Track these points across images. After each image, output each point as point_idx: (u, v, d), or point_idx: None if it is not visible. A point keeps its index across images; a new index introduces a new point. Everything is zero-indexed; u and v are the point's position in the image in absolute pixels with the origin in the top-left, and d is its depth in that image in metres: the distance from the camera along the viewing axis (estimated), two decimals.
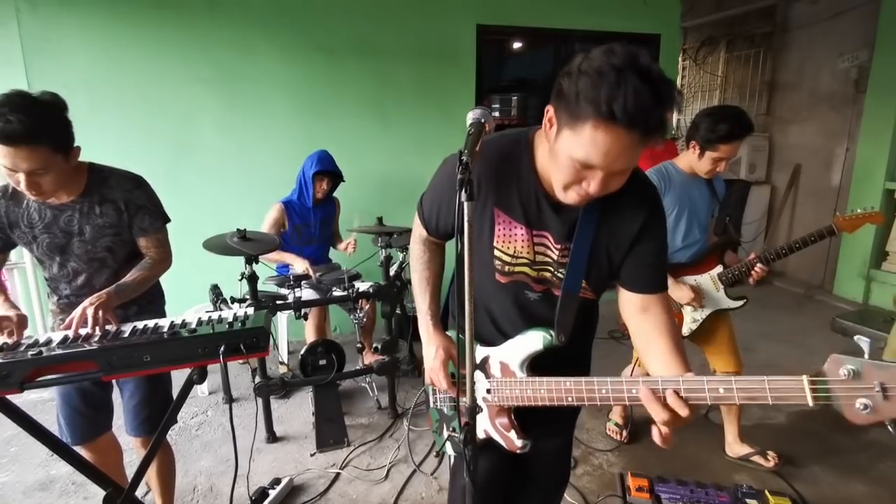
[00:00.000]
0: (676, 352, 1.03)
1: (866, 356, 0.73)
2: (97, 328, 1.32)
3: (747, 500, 1.86)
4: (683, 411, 0.88)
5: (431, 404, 1.35)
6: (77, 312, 1.35)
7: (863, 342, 0.78)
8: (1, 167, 1.32)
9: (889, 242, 4.29)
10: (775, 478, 2.22)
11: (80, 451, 1.69)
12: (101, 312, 1.35)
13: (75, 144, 1.43)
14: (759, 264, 2.11)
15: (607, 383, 0.99)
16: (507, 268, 1.11)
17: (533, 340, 1.10)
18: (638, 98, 0.79)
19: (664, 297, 1.11)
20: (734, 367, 2.21)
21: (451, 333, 1.25)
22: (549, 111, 0.93)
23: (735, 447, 2.34)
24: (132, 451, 1.90)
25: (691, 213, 2.16)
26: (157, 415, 1.60)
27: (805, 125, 5.08)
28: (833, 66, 4.71)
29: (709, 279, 2.18)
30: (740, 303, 2.18)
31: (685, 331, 2.22)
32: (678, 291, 2.13)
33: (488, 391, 1.15)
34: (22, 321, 1.36)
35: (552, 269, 1.10)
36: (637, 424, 2.55)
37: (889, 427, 0.73)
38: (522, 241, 1.08)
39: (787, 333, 3.87)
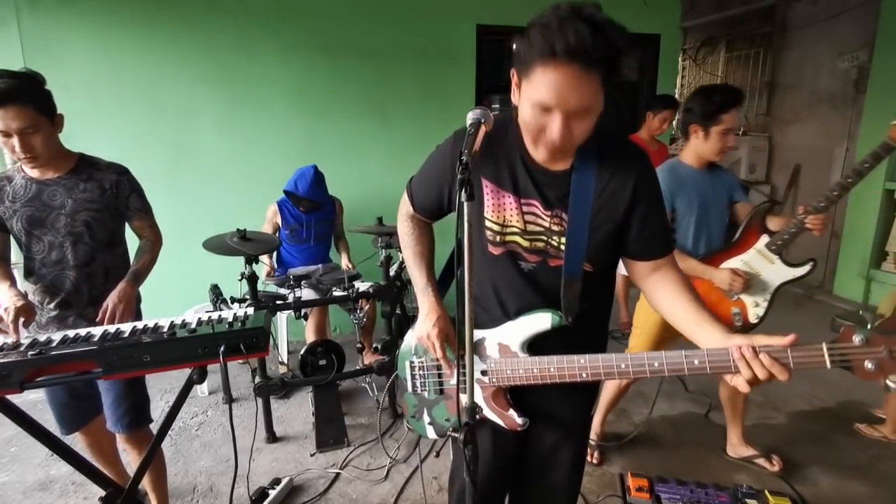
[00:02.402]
0: (701, 306, 1.06)
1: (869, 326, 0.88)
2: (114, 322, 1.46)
3: (747, 500, 1.86)
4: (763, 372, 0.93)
5: (409, 390, 1.31)
6: (105, 307, 1.53)
7: (867, 316, 0.90)
8: None
9: (889, 242, 4.29)
10: (775, 478, 2.21)
11: (77, 438, 1.78)
12: (126, 311, 1.55)
13: (59, 112, 1.58)
14: (810, 216, 1.83)
15: (627, 358, 1.01)
16: (498, 237, 1.11)
17: (540, 320, 1.10)
18: (577, 34, 0.85)
19: (672, 255, 1.14)
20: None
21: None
22: (513, 75, 0.99)
23: (739, 449, 2.32)
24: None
25: (710, 206, 2.01)
26: (137, 407, 1.70)
27: (805, 125, 5.08)
28: (833, 66, 4.71)
29: (756, 254, 1.95)
30: (807, 268, 1.90)
31: (752, 318, 1.97)
32: (719, 276, 1.95)
33: (483, 373, 1.14)
34: (26, 309, 1.42)
35: (545, 238, 1.09)
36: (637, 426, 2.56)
37: (889, 382, 0.87)
38: (511, 209, 1.09)
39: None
